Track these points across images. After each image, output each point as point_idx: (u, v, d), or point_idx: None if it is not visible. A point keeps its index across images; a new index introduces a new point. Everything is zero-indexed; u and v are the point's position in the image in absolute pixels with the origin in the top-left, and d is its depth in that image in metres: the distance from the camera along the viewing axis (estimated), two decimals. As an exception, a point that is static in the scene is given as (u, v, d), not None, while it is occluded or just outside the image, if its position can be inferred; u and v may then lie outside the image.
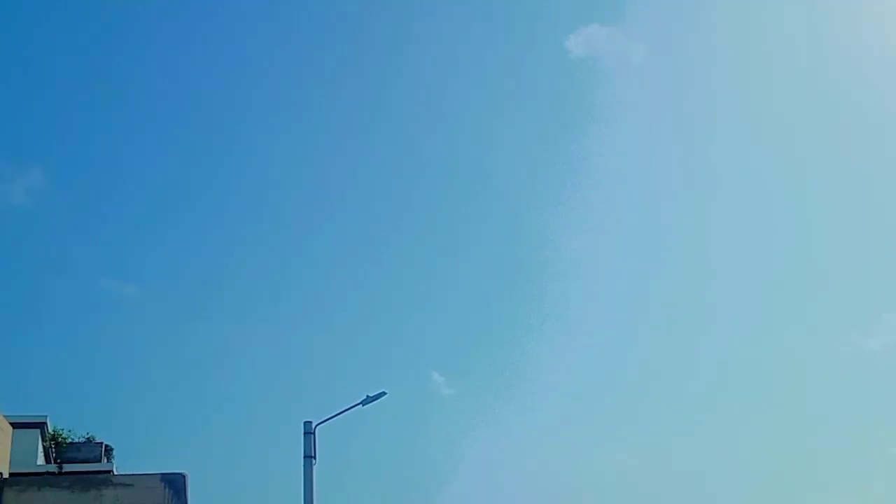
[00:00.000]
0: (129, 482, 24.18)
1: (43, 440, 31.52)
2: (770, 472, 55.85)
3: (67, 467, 30.56)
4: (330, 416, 24.46)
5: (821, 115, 69.11)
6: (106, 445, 31.24)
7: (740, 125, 69.77)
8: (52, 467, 30.51)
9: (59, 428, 33.38)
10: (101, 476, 25.90)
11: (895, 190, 69.89)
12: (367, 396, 24.54)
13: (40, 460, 30.84)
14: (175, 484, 24.72)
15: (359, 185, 69.20)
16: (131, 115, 67.52)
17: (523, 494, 52.35)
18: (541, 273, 69.48)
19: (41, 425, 31.00)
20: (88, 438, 33.26)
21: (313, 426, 24.12)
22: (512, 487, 52.85)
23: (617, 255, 70.39)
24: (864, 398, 60.20)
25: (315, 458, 23.85)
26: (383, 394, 24.62)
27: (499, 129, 65.68)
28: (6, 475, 24.17)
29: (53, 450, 32.34)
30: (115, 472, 27.07)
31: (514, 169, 69.14)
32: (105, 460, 31.68)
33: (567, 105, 71.69)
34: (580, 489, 55.06)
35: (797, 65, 69.23)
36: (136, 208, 65.61)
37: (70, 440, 33.26)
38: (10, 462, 25.20)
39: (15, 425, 26.41)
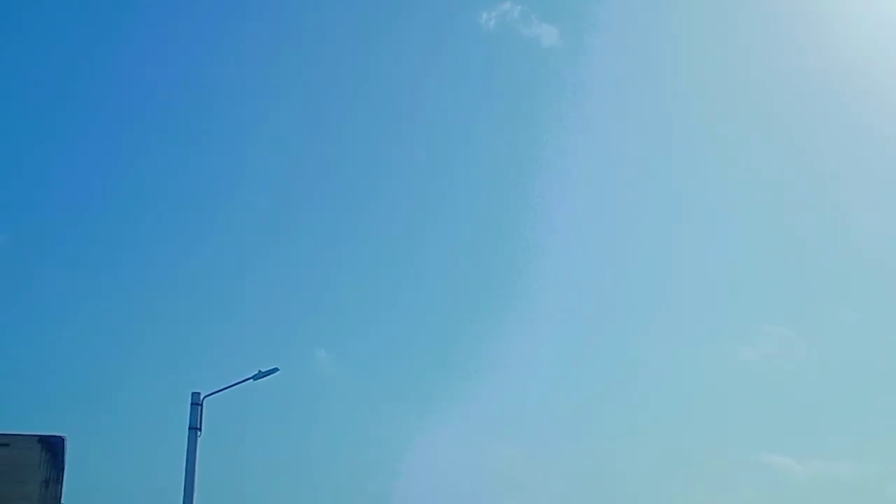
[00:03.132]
0: (5, 441, 23.67)
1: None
2: (646, 474, 57.41)
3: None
4: (219, 388, 24.34)
5: (723, 113, 70.60)
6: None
7: (639, 117, 71.04)
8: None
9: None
10: (-24, 435, 25.14)
11: (793, 206, 72.15)
12: (259, 371, 24.50)
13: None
14: (53, 447, 24.36)
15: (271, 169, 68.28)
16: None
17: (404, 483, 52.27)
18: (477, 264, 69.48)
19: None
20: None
21: (201, 398, 23.95)
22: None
23: (538, 258, 70.83)
24: (741, 406, 62.45)
25: (200, 430, 23.68)
26: (276, 370, 24.59)
27: (406, 104, 65.59)
28: None
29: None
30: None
31: (419, 141, 69.20)
32: (-20, 418, 30.70)
33: (475, 80, 72.07)
34: (474, 486, 55.17)
35: (708, 59, 70.68)
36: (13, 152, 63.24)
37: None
38: None
39: None
